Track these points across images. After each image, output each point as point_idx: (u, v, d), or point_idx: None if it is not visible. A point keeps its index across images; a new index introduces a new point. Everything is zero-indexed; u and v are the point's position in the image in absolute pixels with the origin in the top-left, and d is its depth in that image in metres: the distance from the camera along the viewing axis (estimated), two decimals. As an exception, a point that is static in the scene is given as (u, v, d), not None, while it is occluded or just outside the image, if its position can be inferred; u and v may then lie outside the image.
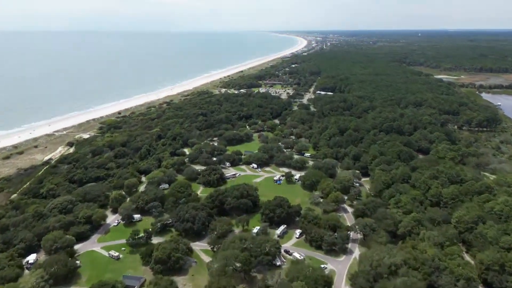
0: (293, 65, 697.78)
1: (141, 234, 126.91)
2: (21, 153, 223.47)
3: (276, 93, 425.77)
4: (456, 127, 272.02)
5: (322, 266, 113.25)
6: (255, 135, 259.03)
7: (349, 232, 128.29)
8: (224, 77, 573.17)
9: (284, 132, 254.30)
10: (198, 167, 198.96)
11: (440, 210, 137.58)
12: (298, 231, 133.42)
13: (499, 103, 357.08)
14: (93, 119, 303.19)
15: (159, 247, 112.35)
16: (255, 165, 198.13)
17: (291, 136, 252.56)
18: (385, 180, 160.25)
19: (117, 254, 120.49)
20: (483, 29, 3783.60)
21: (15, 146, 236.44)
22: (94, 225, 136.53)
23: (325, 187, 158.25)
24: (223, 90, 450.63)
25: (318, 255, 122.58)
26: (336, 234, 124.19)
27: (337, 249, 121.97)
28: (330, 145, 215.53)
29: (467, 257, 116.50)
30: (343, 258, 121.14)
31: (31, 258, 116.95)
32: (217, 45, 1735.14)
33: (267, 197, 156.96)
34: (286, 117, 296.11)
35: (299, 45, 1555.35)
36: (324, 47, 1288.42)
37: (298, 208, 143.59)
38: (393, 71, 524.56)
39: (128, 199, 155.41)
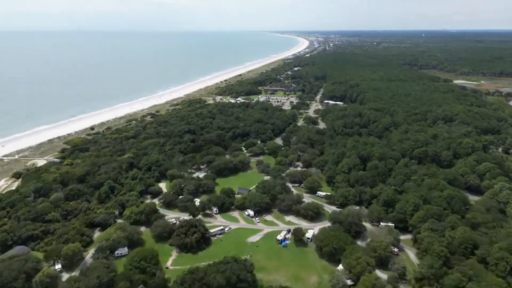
0: (296, 68, 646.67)
1: None
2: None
3: (278, 102, 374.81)
4: (500, 150, 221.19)
5: None
6: (253, 160, 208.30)
7: None
8: (221, 82, 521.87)
9: (289, 158, 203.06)
10: (175, 215, 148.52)
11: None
12: None
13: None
14: (58, 137, 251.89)
15: None
16: (251, 213, 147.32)
17: (298, 163, 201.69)
18: (441, 252, 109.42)
19: None
20: (484, 29, 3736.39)
21: None
22: None
23: (353, 264, 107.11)
24: (218, 98, 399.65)
25: None
26: None
27: None
28: (350, 182, 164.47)
29: None
30: None
31: None
32: (216, 45, 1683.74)
33: (268, 272, 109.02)
34: (290, 135, 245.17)
35: (301, 45, 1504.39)
36: (327, 48, 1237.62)
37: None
38: (407, 76, 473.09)
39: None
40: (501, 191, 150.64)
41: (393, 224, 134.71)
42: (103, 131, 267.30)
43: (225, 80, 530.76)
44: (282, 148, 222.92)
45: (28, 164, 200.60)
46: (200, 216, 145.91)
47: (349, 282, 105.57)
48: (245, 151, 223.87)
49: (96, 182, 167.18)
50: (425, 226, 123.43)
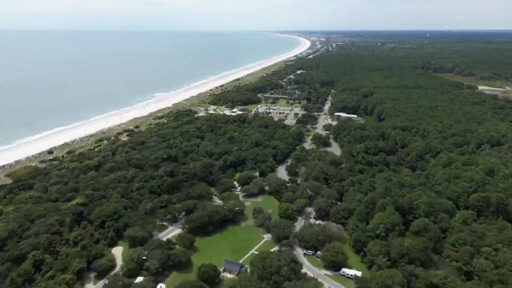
0: (299, 72, 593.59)
1: None
2: None
3: (280, 113, 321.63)
4: None
5: None
6: (249, 204, 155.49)
7: None
8: (216, 87, 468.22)
9: (297, 204, 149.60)
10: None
11: None
12: None
13: None
14: (2, 167, 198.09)
15: None
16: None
17: (310, 211, 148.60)
18: None
19: None
20: (484, 29, 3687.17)
21: None
22: None
23: None
24: (211, 108, 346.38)
25: None
26: None
27: None
28: (391, 255, 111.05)
29: None
30: None
31: None
32: (214, 46, 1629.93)
33: None
34: (297, 165, 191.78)
35: (303, 46, 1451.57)
36: (330, 49, 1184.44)
37: None
38: (425, 82, 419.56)
39: None
40: None
41: None
42: (62, 156, 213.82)
43: (221, 86, 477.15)
44: (288, 185, 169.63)
45: None
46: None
47: None
48: (238, 188, 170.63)
49: (18, 253, 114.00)
50: None
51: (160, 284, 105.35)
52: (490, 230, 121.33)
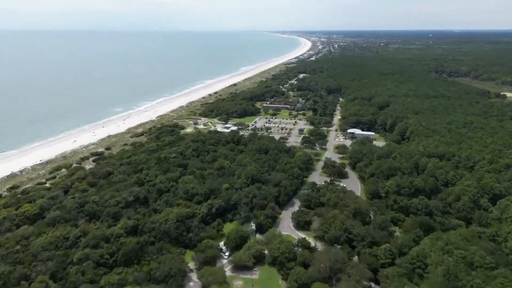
0: (301, 76, 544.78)
1: None
2: None
3: (282, 129, 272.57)
4: None
5: None
6: (240, 284, 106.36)
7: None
8: (209, 95, 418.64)
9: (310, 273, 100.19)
10: None
11: None
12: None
13: None
14: None
15: None
16: None
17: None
18: None
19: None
20: (485, 29, 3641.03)
21: None
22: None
23: None
24: (201, 121, 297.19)
25: None
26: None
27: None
28: None
29: None
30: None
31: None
32: (212, 46, 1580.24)
33: None
34: (308, 214, 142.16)
35: (303, 47, 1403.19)
36: (332, 50, 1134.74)
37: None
38: (445, 89, 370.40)
39: None
40: None
41: None
42: (0, 196, 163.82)
43: (215, 93, 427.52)
44: (297, 250, 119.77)
45: None
46: None
47: None
48: (226, 254, 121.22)
49: None
50: None
51: None
52: None
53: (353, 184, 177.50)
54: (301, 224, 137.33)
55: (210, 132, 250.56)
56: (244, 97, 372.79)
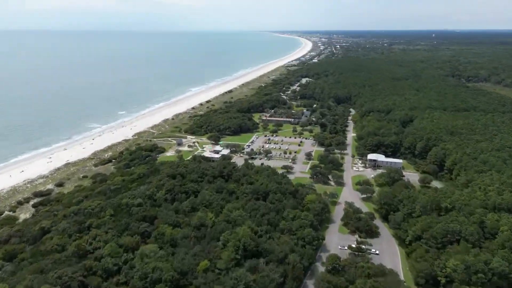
0: (304, 80, 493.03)
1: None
2: None
3: (284, 153, 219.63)
4: None
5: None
6: None
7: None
8: (201, 104, 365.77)
9: None
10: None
11: None
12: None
13: None
14: None
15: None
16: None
17: None
18: None
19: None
20: (485, 29, 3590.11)
21: None
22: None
23: None
24: (186, 141, 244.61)
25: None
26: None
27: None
28: None
29: None
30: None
31: None
32: (210, 47, 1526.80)
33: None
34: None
35: (304, 47, 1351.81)
36: (334, 51, 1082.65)
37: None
38: (474, 99, 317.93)
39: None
40: None
41: None
42: None
43: (207, 102, 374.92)
44: None
45: None
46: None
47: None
48: None
49: None
50: None
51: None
52: None
53: (388, 247, 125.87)
54: None
55: (194, 159, 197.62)
56: (239, 108, 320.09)
